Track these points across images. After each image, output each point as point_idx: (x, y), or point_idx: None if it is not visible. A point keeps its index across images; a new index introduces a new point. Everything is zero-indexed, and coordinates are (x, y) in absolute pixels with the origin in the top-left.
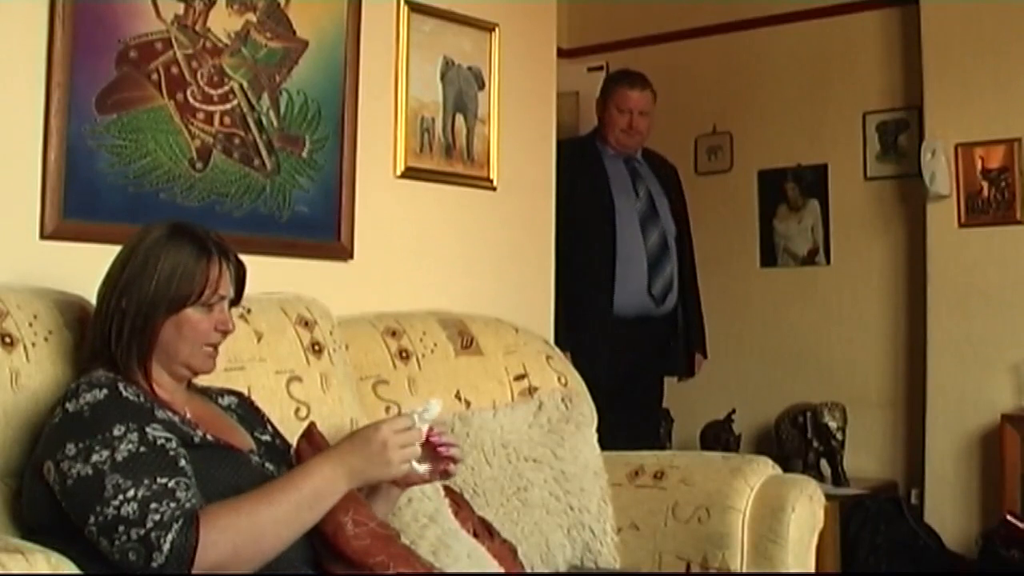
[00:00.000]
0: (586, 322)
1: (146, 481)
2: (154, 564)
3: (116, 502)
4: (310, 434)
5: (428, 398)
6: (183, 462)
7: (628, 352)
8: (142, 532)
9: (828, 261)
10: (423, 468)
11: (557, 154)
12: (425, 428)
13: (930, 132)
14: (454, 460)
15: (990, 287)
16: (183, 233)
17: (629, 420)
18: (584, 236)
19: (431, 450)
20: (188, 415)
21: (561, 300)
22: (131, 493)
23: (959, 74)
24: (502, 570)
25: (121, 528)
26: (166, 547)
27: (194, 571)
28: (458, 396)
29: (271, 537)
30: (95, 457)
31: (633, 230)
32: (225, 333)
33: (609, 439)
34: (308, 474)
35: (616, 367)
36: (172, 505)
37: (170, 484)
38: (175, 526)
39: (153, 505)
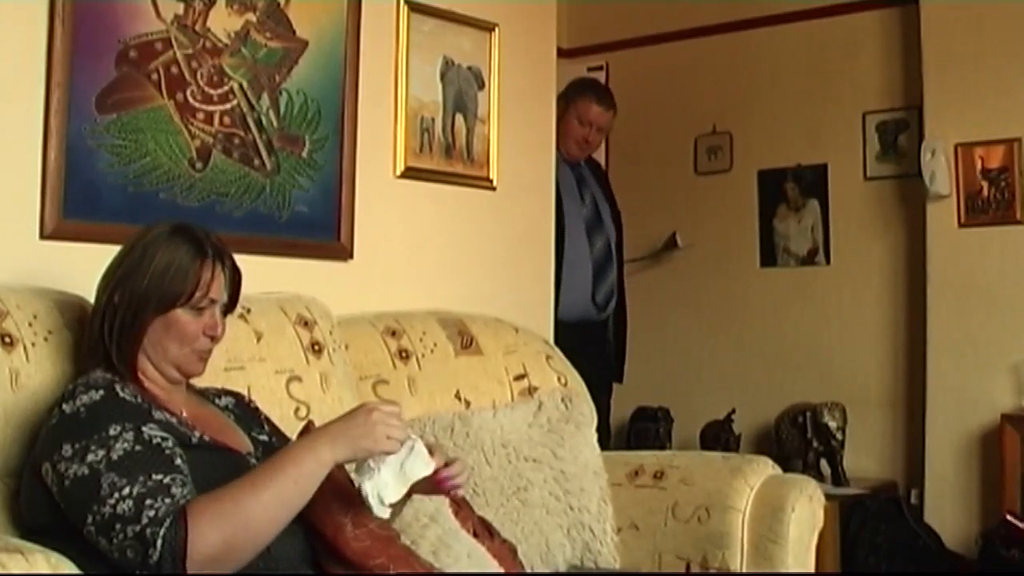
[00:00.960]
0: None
1: (141, 478)
2: (151, 561)
3: (112, 500)
4: (308, 432)
5: (412, 443)
6: (179, 460)
7: (573, 357)
8: (137, 529)
9: (828, 261)
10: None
11: None
12: (415, 473)
13: (930, 132)
14: (453, 497)
15: (990, 287)
16: (183, 233)
17: None
18: None
19: (437, 483)
20: (185, 415)
21: None
22: (126, 491)
23: (959, 74)
24: (502, 570)
25: (118, 526)
26: (159, 543)
27: (189, 565)
28: (458, 396)
29: (261, 521)
30: (91, 457)
31: (580, 236)
32: (213, 339)
33: None
34: (289, 450)
35: None
36: (167, 501)
37: (165, 480)
38: (167, 522)
39: (148, 501)
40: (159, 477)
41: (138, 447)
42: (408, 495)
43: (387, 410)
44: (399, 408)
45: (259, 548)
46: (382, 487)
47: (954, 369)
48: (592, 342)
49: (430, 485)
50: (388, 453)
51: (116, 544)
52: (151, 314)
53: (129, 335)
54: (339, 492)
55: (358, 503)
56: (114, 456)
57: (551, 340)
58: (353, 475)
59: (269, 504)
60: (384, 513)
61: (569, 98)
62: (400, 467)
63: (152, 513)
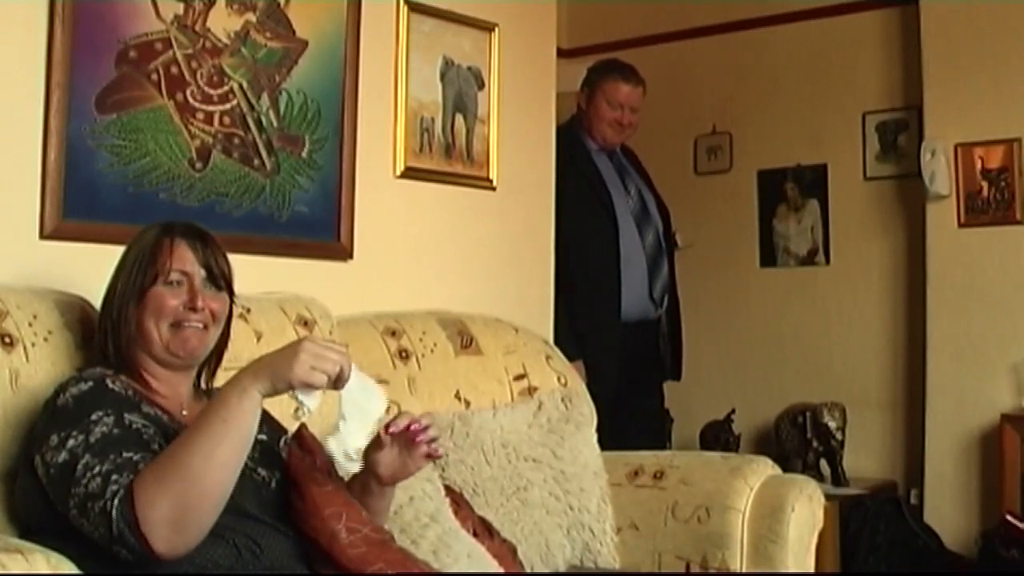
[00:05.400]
0: (593, 329)
1: (112, 456)
2: (114, 534)
3: (85, 480)
4: (300, 436)
5: (364, 383)
6: (156, 446)
7: (632, 358)
8: (102, 504)
9: (828, 261)
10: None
11: None
12: (374, 409)
13: (930, 132)
14: (433, 454)
15: (990, 287)
16: (158, 224)
17: (637, 428)
18: (585, 238)
19: (410, 438)
20: (185, 414)
21: (561, 307)
22: (97, 469)
23: (959, 74)
24: (502, 570)
25: (89, 504)
26: (115, 515)
27: (148, 534)
28: (458, 396)
29: (202, 471)
30: (71, 443)
31: (631, 230)
32: (194, 309)
33: (617, 448)
34: (218, 392)
35: (623, 374)
36: (131, 477)
37: (135, 458)
38: (120, 493)
39: (114, 477)
40: (129, 455)
41: (116, 430)
42: (373, 448)
43: (321, 343)
44: (343, 348)
45: (214, 501)
46: (346, 438)
47: (954, 369)
48: (647, 342)
49: (407, 448)
50: (310, 386)
51: (91, 522)
52: (132, 308)
53: (119, 330)
54: (330, 499)
55: (350, 509)
56: (91, 439)
57: (551, 340)
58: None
59: (204, 451)
60: (354, 467)
61: (593, 83)
62: (359, 411)
63: (115, 487)
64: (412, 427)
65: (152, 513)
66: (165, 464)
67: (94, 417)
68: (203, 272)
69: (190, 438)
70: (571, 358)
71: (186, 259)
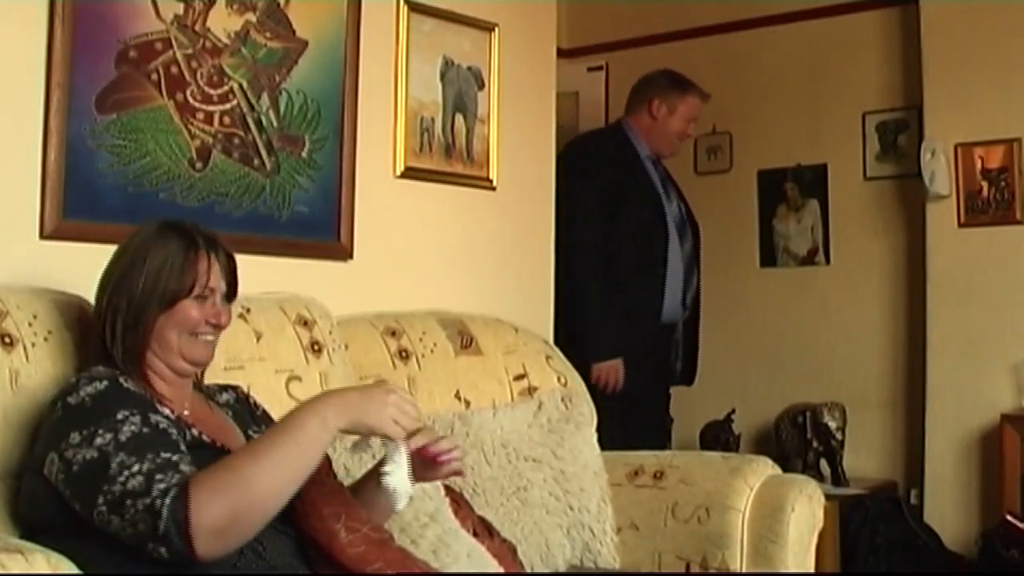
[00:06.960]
0: (634, 328)
1: (150, 455)
2: (159, 532)
3: (122, 478)
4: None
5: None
6: (183, 445)
7: (655, 359)
8: (148, 501)
9: (828, 261)
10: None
11: (586, 149)
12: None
13: (930, 132)
14: (456, 472)
15: (990, 287)
16: (171, 229)
17: (644, 428)
18: (638, 240)
19: (430, 461)
20: (187, 413)
21: (599, 306)
22: (136, 468)
23: (959, 74)
24: (502, 570)
25: (128, 502)
26: (165, 513)
27: (195, 537)
28: (458, 396)
29: (263, 488)
30: (99, 440)
31: (675, 236)
32: (216, 327)
33: (628, 445)
34: (293, 414)
35: (648, 374)
36: (176, 476)
37: (174, 458)
38: (172, 492)
39: (158, 476)
40: (167, 455)
41: (145, 429)
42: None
43: (405, 397)
44: (415, 404)
45: (267, 515)
46: (401, 482)
47: (954, 369)
48: (665, 343)
49: (428, 467)
50: (386, 436)
51: (128, 519)
52: (155, 312)
53: (134, 335)
54: (329, 499)
55: (350, 509)
56: (122, 438)
57: (551, 340)
58: (382, 469)
59: (270, 469)
60: (401, 505)
61: (677, 98)
62: (394, 461)
63: (162, 486)
64: (432, 451)
65: (204, 518)
66: (227, 472)
67: (120, 416)
68: (224, 287)
69: (258, 452)
70: (607, 356)
71: (217, 277)
